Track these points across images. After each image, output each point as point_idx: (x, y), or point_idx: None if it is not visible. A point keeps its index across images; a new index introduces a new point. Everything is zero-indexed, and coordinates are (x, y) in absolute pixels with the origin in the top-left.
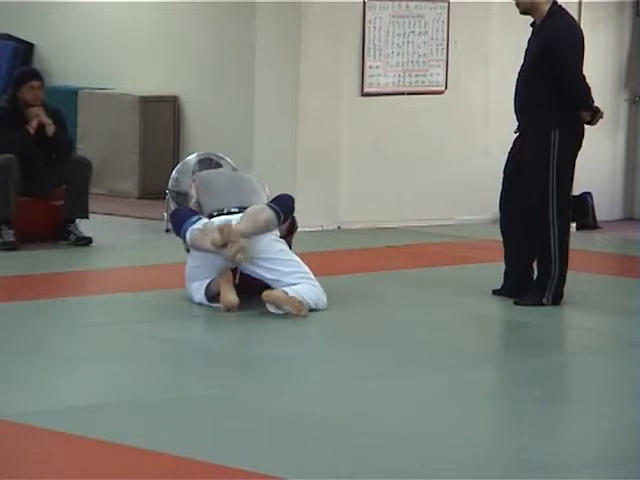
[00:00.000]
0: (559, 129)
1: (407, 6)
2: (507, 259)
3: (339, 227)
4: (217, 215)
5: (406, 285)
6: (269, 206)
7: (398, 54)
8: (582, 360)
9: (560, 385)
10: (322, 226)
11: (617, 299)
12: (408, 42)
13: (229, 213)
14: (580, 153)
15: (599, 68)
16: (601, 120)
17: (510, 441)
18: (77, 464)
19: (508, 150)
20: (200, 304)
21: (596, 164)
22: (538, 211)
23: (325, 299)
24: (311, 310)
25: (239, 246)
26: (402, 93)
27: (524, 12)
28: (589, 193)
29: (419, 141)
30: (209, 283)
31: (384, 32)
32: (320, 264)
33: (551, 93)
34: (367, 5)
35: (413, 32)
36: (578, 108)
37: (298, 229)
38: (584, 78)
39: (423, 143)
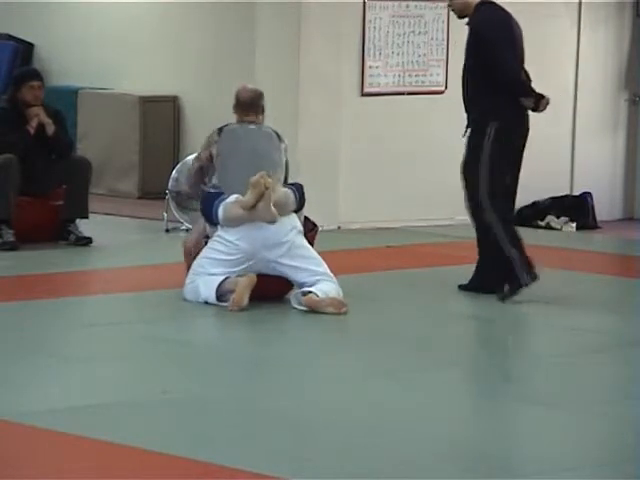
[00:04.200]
0: (496, 124)
1: (407, 6)
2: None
3: (339, 227)
4: None
5: (406, 285)
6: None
7: (398, 54)
8: (582, 360)
9: (560, 385)
10: (322, 226)
11: (617, 299)
12: (408, 42)
13: None
14: (580, 153)
15: (599, 68)
16: (600, 120)
17: (510, 441)
18: (77, 464)
19: None
20: (205, 302)
21: (596, 164)
22: (474, 205)
23: (342, 294)
24: None
25: (271, 197)
26: (402, 93)
27: (461, 16)
28: (589, 193)
29: (419, 141)
30: (223, 281)
31: (384, 32)
32: None
33: (487, 88)
34: (367, 5)
35: (413, 32)
36: (516, 96)
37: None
38: (518, 65)
39: (423, 143)
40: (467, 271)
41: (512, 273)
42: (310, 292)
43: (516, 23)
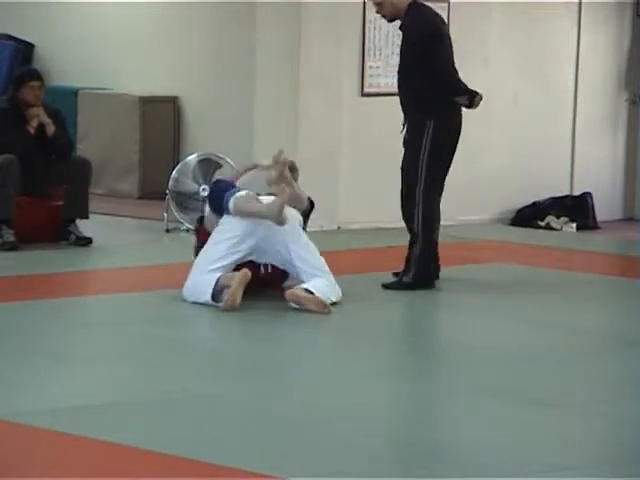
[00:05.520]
0: (434, 120)
1: None
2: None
3: (339, 227)
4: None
5: None
6: None
7: (398, 54)
8: (582, 360)
9: (560, 385)
10: (322, 226)
11: (617, 299)
12: None
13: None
14: (580, 153)
15: (599, 68)
16: (600, 120)
17: (510, 440)
18: (77, 464)
19: (503, 151)
20: (203, 303)
21: (596, 164)
22: (409, 192)
23: (340, 292)
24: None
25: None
26: None
27: (392, 19)
28: (589, 193)
29: None
30: (218, 278)
31: (384, 32)
32: None
33: (424, 87)
34: (367, 5)
35: None
36: (453, 96)
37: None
38: (450, 65)
39: None
40: (467, 271)
41: (407, 266)
42: (305, 290)
43: (442, 21)
